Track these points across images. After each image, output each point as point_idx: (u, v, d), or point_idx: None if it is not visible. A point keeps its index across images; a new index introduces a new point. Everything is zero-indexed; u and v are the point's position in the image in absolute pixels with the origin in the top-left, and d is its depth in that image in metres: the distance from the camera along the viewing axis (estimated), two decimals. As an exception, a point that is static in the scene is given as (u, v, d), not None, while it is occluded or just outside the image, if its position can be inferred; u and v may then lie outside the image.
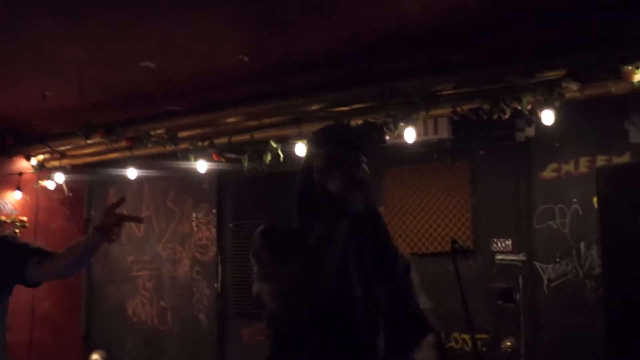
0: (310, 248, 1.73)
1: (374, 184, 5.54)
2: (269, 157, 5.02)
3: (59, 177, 6.06)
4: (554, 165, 4.83)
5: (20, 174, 6.11)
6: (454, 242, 3.26)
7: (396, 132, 4.45)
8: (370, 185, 1.84)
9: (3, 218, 5.89)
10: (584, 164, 4.72)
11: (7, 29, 3.73)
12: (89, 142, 5.34)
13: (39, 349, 6.22)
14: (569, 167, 4.77)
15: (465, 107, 4.24)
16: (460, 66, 4.15)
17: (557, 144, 4.77)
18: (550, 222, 4.81)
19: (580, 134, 4.66)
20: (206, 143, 5.15)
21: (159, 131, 5.18)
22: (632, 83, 3.78)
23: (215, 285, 6.06)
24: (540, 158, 4.88)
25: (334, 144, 1.87)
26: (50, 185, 6.19)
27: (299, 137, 4.80)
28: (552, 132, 4.42)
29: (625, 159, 4.52)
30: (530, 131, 4.62)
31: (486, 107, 4.12)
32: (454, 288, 3.15)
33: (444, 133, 4.95)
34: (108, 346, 6.65)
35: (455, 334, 5.01)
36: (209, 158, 5.30)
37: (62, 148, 5.73)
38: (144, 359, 6.48)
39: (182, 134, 5.14)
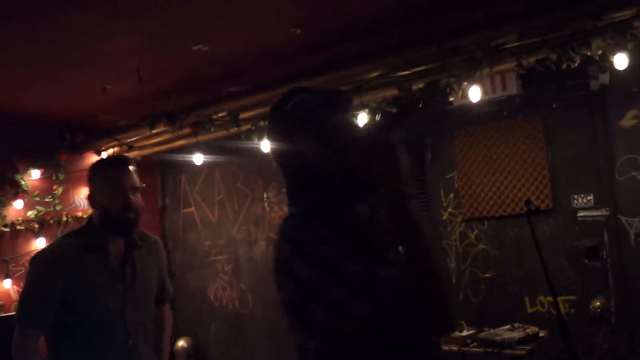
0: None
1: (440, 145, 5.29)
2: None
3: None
4: (633, 112, 4.54)
5: (93, 169, 6.23)
6: (528, 202, 3.17)
7: (460, 93, 4.25)
8: None
9: (80, 214, 6.05)
10: (666, 108, 4.42)
11: (61, 28, 3.76)
12: (154, 131, 5.37)
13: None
14: (650, 112, 4.48)
15: (532, 60, 3.97)
16: (521, 15, 3.89)
17: (634, 89, 4.48)
18: (634, 173, 4.53)
19: (660, 75, 4.35)
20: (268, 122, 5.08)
21: (220, 114, 5.15)
22: None
23: (292, 263, 6.03)
24: (617, 106, 4.59)
25: None
26: (123, 177, 6.32)
27: (361, 107, 4.69)
28: (627, 77, 4.13)
29: None
30: (605, 78, 4.27)
31: (553, 56, 3.85)
32: (535, 250, 3.00)
33: (513, 89, 4.71)
34: (193, 332, 6.78)
35: (541, 297, 4.83)
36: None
37: (130, 140, 5.78)
38: (228, 342, 6.58)
39: (244, 115, 5.09)
